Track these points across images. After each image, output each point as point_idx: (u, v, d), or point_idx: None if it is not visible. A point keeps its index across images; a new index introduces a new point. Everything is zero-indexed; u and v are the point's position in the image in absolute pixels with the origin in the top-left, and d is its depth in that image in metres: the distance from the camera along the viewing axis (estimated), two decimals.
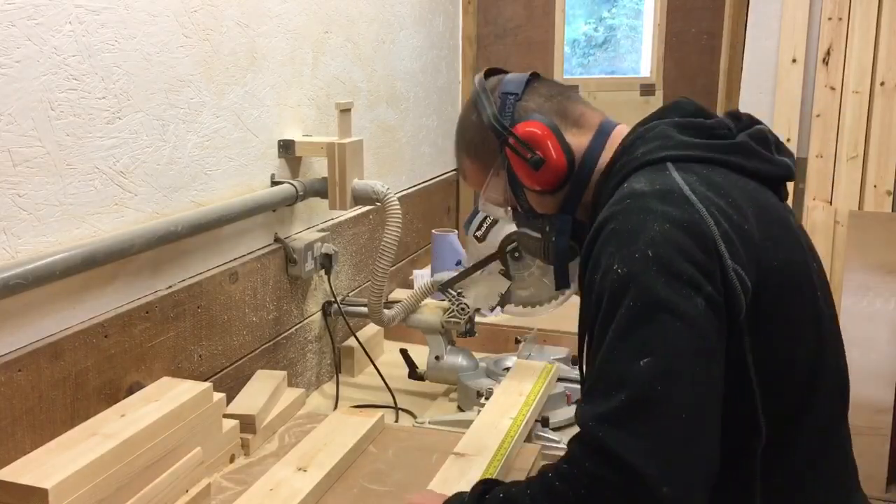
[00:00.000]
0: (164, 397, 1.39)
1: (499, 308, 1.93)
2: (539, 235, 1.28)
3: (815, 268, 1.10)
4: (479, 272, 1.88)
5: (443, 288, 1.94)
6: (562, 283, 1.33)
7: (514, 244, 1.83)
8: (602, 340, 0.98)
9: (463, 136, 1.31)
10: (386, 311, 1.96)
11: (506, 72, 1.31)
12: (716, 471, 0.95)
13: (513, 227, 1.82)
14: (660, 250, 0.96)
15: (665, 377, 0.93)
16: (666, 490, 0.90)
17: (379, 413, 1.68)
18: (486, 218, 1.86)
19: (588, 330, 1.05)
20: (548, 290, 1.89)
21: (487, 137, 1.24)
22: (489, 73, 1.31)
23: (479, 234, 1.87)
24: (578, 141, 1.21)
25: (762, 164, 1.11)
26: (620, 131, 1.22)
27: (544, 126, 1.19)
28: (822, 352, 1.07)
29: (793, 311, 1.03)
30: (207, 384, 1.47)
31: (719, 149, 1.10)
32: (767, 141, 1.14)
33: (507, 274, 1.86)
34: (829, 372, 1.08)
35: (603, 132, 1.22)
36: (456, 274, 1.93)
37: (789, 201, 2.65)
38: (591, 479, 0.95)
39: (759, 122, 1.17)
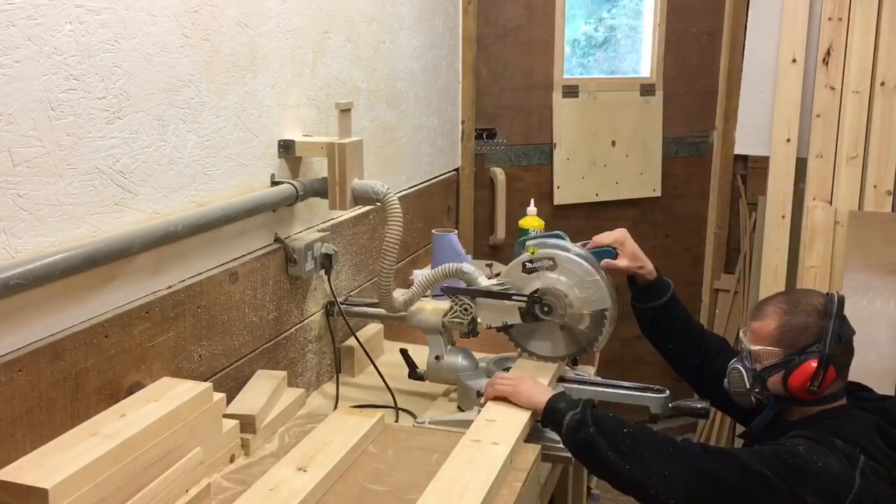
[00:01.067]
0: (164, 397, 1.39)
1: (495, 331, 1.93)
2: (748, 387, 1.71)
3: None
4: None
5: (451, 292, 1.93)
6: (742, 403, 1.77)
7: (553, 298, 1.83)
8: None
9: (791, 311, 1.69)
10: (397, 296, 1.93)
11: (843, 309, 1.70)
12: None
13: (558, 283, 1.83)
14: (826, 482, 1.49)
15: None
16: None
17: (379, 413, 1.68)
18: (546, 258, 1.83)
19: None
20: (553, 349, 1.91)
21: (802, 339, 1.66)
22: (842, 303, 1.69)
23: (529, 265, 1.84)
24: (831, 389, 1.67)
25: None
26: (843, 402, 1.70)
27: (835, 376, 1.65)
28: None
29: None
30: (207, 384, 1.47)
31: (891, 461, 1.57)
32: None
33: (524, 317, 1.85)
34: None
35: (837, 395, 1.69)
36: (482, 287, 1.90)
37: (781, 205, 2.67)
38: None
39: None
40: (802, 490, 1.45)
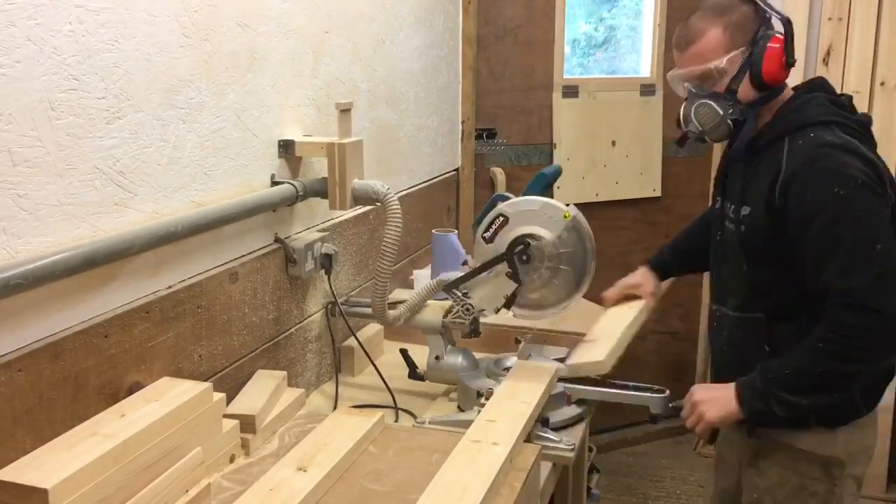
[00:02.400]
0: (164, 397, 1.39)
1: (504, 309, 1.93)
2: (722, 112, 1.68)
3: None
4: (485, 273, 1.88)
5: (448, 288, 1.94)
6: (718, 138, 1.76)
7: (522, 246, 1.83)
8: (832, 239, 1.57)
9: (722, 11, 1.67)
10: (390, 311, 1.95)
11: None
12: None
13: (522, 230, 1.83)
14: (867, 180, 1.57)
15: (893, 256, 1.56)
16: None
17: (379, 413, 1.68)
18: (495, 219, 1.85)
19: (784, 237, 1.65)
20: (556, 293, 1.89)
21: (750, 26, 1.67)
22: None
23: (487, 234, 1.86)
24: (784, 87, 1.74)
25: (872, 145, 1.69)
26: (789, 87, 1.75)
27: (784, 49, 1.65)
28: None
29: None
30: (207, 384, 1.47)
31: (858, 125, 1.68)
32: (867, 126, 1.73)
33: (513, 276, 1.85)
34: None
35: (785, 99, 1.74)
36: (462, 274, 1.93)
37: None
38: (859, 330, 1.55)
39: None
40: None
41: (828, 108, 1.66)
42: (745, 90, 1.68)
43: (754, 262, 1.74)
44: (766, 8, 1.69)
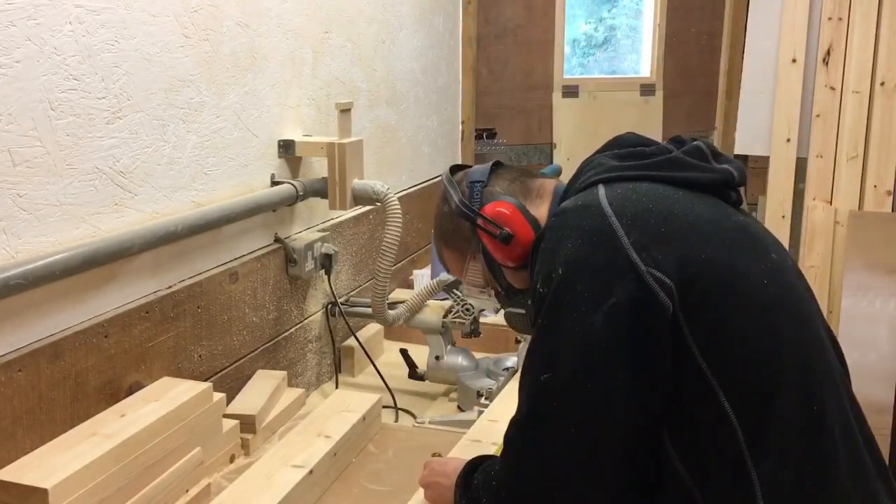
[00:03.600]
0: (164, 397, 1.39)
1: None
2: (524, 311, 1.31)
3: (763, 265, 1.07)
4: None
5: (448, 288, 1.94)
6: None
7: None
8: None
9: (439, 227, 1.35)
10: (390, 310, 1.95)
11: (469, 166, 1.36)
12: (624, 483, 1.02)
13: None
14: (568, 269, 1.03)
15: (562, 392, 1.01)
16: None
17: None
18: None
19: None
20: None
21: (460, 224, 1.28)
22: (454, 170, 1.35)
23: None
24: (540, 211, 1.25)
25: (695, 173, 1.12)
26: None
27: (510, 204, 1.24)
28: (779, 344, 1.03)
29: (728, 301, 1.02)
30: (207, 384, 1.47)
31: (649, 167, 1.13)
32: (702, 153, 1.16)
33: None
34: (795, 370, 1.03)
35: (558, 195, 1.25)
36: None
37: (781, 205, 2.44)
38: (500, 480, 1.09)
39: (702, 146, 1.19)
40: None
41: (598, 169, 1.16)
42: (514, 277, 1.28)
43: None
44: (457, 197, 1.27)
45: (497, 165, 1.32)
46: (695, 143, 1.18)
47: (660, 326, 0.99)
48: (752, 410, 1.00)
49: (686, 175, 1.12)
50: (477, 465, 1.21)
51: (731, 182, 1.15)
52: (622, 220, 1.03)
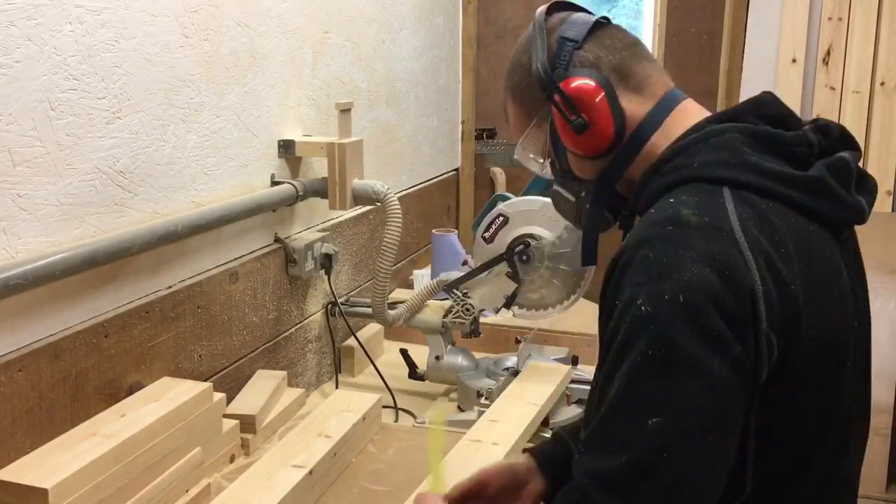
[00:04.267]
0: (164, 397, 1.39)
1: (503, 309, 1.93)
2: (573, 199, 1.16)
3: (853, 332, 1.01)
4: (485, 273, 1.88)
5: (448, 288, 1.94)
6: (588, 259, 1.21)
7: (522, 246, 1.83)
8: (610, 382, 0.89)
9: (510, 75, 1.15)
10: (390, 310, 1.95)
11: (577, 8, 1.14)
12: None
13: (522, 230, 1.83)
14: (693, 297, 0.84)
15: (674, 443, 0.84)
16: None
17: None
18: (495, 219, 1.86)
19: (601, 359, 0.95)
20: (557, 293, 1.89)
21: (534, 85, 1.09)
22: (554, 8, 1.12)
23: (486, 234, 1.86)
24: (635, 109, 1.06)
25: (830, 206, 0.96)
26: (686, 110, 1.08)
27: (596, 86, 1.04)
28: (827, 422, 0.96)
29: (810, 382, 0.92)
30: (207, 384, 1.47)
31: (787, 181, 0.94)
32: (848, 175, 0.98)
33: (513, 276, 1.86)
34: (833, 438, 0.98)
35: (666, 105, 1.07)
36: (462, 274, 1.93)
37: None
38: None
39: (849, 140, 1.03)
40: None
41: (728, 153, 0.96)
42: (575, 163, 1.14)
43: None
44: (544, 51, 1.09)
45: (602, 24, 1.11)
46: (841, 157, 0.98)
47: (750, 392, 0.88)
48: (771, 481, 0.94)
49: (820, 208, 0.95)
50: None
51: (859, 221, 1.01)
52: (757, 261, 0.87)
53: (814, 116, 2.48)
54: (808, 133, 1.00)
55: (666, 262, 0.87)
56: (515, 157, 1.22)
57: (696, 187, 0.94)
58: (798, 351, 0.89)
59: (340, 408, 1.59)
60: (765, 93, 1.06)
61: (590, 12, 1.14)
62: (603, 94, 1.04)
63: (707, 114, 1.07)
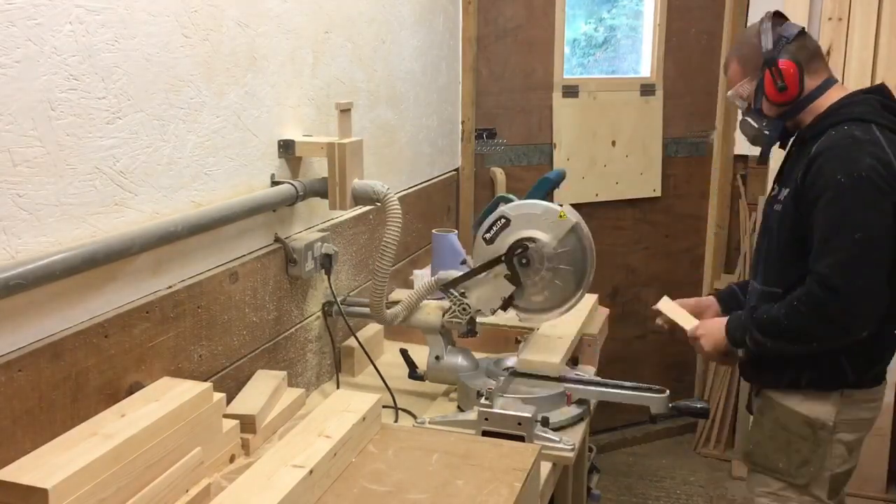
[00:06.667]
0: (164, 397, 1.39)
1: (500, 311, 1.93)
2: (757, 126, 2.00)
3: None
4: (484, 274, 1.88)
5: (445, 288, 1.94)
6: (762, 160, 2.07)
7: (522, 249, 1.83)
8: (827, 218, 1.79)
9: (741, 44, 2.04)
10: (388, 310, 1.96)
11: (786, 19, 1.99)
12: (885, 302, 1.79)
13: (523, 233, 1.83)
14: (871, 174, 1.75)
15: (868, 247, 1.75)
16: (859, 303, 1.78)
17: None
18: (497, 220, 1.85)
19: (803, 216, 1.85)
20: (560, 294, 1.89)
21: (756, 57, 1.95)
22: (775, 15, 1.98)
23: (488, 236, 1.86)
24: (811, 83, 1.94)
25: None
26: (837, 88, 1.95)
27: (795, 68, 1.91)
28: None
29: None
30: (207, 384, 1.47)
31: None
32: None
33: (512, 279, 1.86)
34: None
35: (825, 85, 1.94)
36: (460, 274, 1.93)
37: None
38: (820, 301, 1.78)
39: None
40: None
41: (872, 109, 1.85)
42: (767, 107, 1.97)
43: (785, 240, 1.92)
44: (768, 36, 1.95)
45: (802, 33, 1.94)
46: None
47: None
48: None
49: None
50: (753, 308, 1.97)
51: None
52: (894, 156, 1.77)
53: None
54: None
55: (853, 156, 1.78)
56: (728, 95, 2.06)
57: (857, 124, 1.82)
58: None
59: (340, 408, 1.59)
60: (881, 84, 2.01)
61: (798, 26, 1.98)
62: (797, 71, 1.92)
63: (849, 91, 1.94)
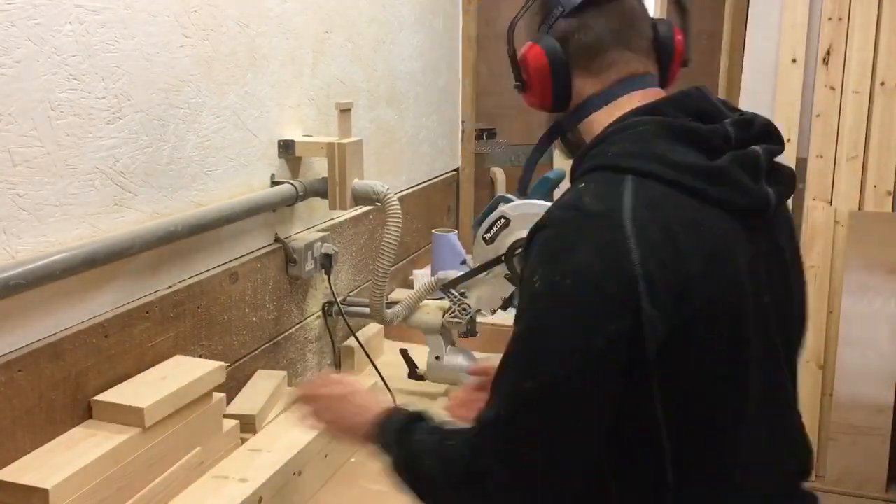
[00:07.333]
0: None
1: (501, 311, 1.93)
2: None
3: (759, 309, 1.04)
4: (483, 274, 1.88)
5: (445, 287, 1.94)
6: (520, 187, 1.49)
7: (522, 249, 1.83)
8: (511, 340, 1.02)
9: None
10: (388, 310, 1.96)
11: None
12: (572, 489, 1.02)
13: (523, 233, 1.83)
14: (578, 281, 0.95)
15: (540, 405, 0.97)
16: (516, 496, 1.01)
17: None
18: (497, 220, 1.85)
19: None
20: None
21: (510, 38, 1.20)
22: None
23: (487, 235, 1.86)
24: (585, 86, 1.15)
25: (731, 194, 1.02)
26: (630, 99, 1.12)
27: (543, 59, 1.13)
28: (743, 392, 1.03)
29: (706, 351, 1.00)
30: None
31: (689, 171, 1.01)
32: (756, 166, 1.05)
33: (512, 279, 1.86)
34: (753, 417, 1.04)
35: (616, 92, 1.13)
36: (460, 274, 1.93)
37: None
38: (467, 467, 1.02)
39: (770, 134, 1.10)
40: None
41: (642, 147, 1.03)
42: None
43: None
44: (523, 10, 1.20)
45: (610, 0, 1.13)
46: (753, 150, 1.06)
47: (637, 363, 0.96)
48: (690, 446, 1.02)
49: (723, 196, 1.02)
50: (419, 418, 1.15)
51: (763, 211, 1.05)
52: (642, 246, 0.95)
53: (814, 116, 2.49)
54: (726, 126, 1.06)
55: (562, 247, 0.98)
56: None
57: (605, 175, 1.03)
58: (691, 321, 0.97)
59: None
60: (694, 87, 1.12)
61: None
62: (547, 67, 1.14)
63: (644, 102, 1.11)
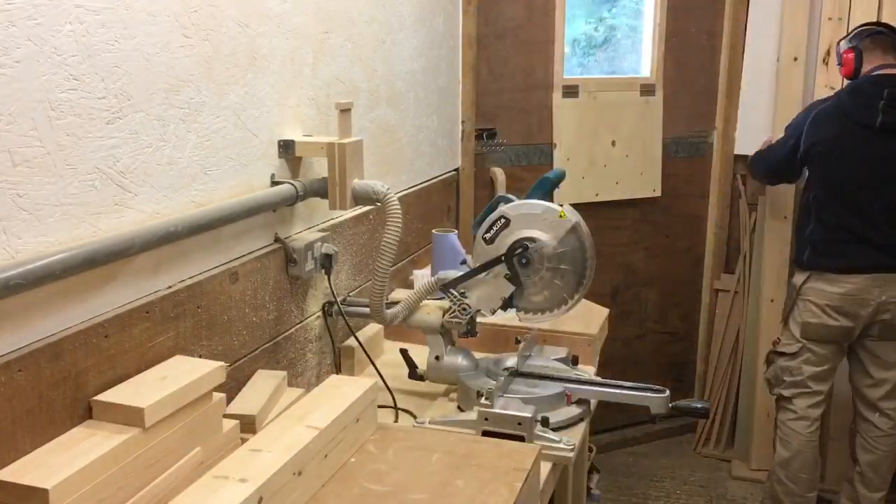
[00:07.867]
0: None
1: (500, 311, 1.93)
2: None
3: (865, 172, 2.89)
4: (483, 274, 1.88)
5: (445, 288, 1.94)
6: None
7: (521, 249, 1.83)
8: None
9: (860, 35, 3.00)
10: (388, 310, 1.96)
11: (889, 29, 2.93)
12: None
13: (522, 233, 1.83)
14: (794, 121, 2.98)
15: (777, 156, 3.04)
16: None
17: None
18: (497, 220, 1.86)
19: None
20: (560, 293, 1.89)
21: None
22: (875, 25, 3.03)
23: (487, 236, 1.86)
24: (865, 69, 2.89)
25: (868, 116, 2.79)
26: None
27: (852, 55, 2.87)
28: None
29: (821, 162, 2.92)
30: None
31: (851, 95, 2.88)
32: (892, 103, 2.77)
33: (512, 279, 1.86)
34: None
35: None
36: (460, 274, 1.93)
37: (782, 205, 2.82)
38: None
39: None
40: None
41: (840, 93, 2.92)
42: None
43: None
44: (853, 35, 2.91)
45: (882, 35, 2.83)
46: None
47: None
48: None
49: (861, 119, 2.78)
50: None
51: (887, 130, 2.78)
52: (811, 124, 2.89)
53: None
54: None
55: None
56: None
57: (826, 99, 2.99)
58: (813, 152, 2.90)
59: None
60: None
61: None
62: (853, 58, 2.84)
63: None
